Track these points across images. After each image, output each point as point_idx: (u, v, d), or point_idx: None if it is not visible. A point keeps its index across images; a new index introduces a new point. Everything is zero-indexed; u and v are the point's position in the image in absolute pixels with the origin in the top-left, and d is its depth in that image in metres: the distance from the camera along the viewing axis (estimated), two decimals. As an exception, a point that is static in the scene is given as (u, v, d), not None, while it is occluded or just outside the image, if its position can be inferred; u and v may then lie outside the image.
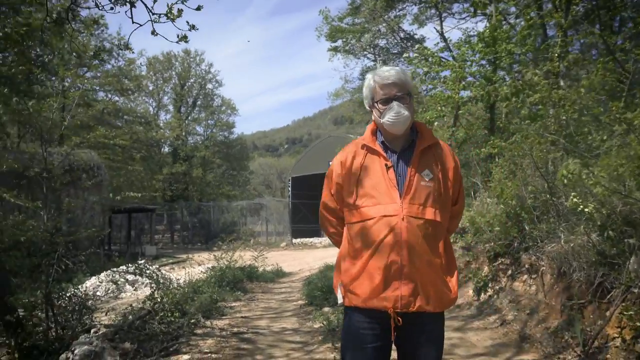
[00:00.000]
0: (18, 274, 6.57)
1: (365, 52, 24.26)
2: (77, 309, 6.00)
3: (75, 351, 4.73)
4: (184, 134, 44.60)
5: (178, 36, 3.68)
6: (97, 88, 30.55)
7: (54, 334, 5.65)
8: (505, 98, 7.85)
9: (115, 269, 7.51)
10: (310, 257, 20.77)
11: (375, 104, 2.35)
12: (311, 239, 30.76)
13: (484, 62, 10.98)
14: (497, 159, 8.31)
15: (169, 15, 3.30)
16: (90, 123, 23.99)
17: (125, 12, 3.69)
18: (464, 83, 10.07)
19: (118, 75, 30.97)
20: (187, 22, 3.62)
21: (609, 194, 4.75)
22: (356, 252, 2.29)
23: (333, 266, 10.58)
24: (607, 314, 4.58)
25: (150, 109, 45.68)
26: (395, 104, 2.27)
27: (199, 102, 48.04)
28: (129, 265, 9.32)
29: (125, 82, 32.28)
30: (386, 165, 2.29)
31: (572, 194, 5.15)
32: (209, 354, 5.32)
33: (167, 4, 3.23)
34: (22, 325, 5.46)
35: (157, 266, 10.46)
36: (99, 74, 29.94)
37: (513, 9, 10.32)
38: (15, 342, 4.96)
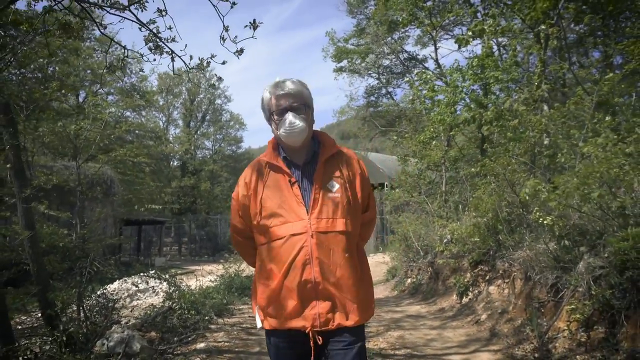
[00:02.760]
0: (54, 276, 7.44)
1: (369, 72, 25.21)
2: (105, 306, 6.88)
3: (110, 338, 5.59)
4: (192, 148, 45.66)
5: (207, 83, 4.49)
6: (111, 102, 31.62)
7: (85, 327, 6.52)
8: (488, 122, 8.71)
9: (141, 274, 8.35)
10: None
11: (272, 116, 2.30)
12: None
13: (475, 87, 11.88)
14: (483, 177, 9.13)
15: (200, 67, 4.18)
16: (111, 141, 24.97)
17: (168, 65, 4.56)
18: (456, 107, 10.93)
19: (130, 92, 32.09)
20: (216, 75, 4.55)
21: (563, 208, 5.60)
22: (268, 273, 2.23)
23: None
24: (559, 310, 5.41)
25: (160, 123, 46.84)
26: (290, 114, 2.22)
27: (207, 117, 49.15)
28: (142, 274, 10.23)
29: (137, 98, 33.35)
30: (290, 181, 2.25)
31: (535, 208, 6.02)
32: (222, 343, 6.18)
33: (199, 58, 4.13)
34: (60, 319, 6.33)
35: (170, 274, 11.32)
36: (112, 90, 31.07)
37: (504, 40, 11.16)
38: (58, 332, 5.78)
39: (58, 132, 7.66)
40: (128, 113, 34.02)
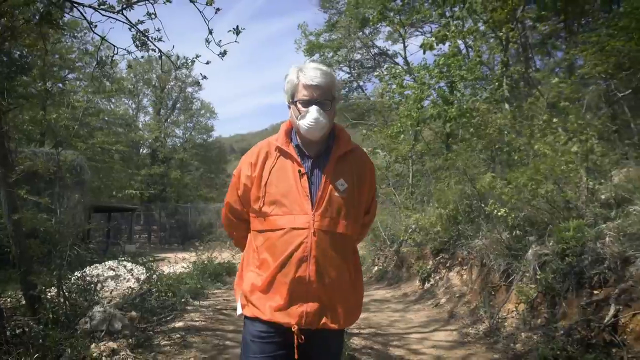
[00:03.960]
0: (34, 259, 7.70)
1: (341, 65, 25.65)
2: (85, 288, 7.18)
3: (93, 315, 5.94)
4: (162, 136, 45.36)
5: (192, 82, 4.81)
6: (79, 89, 31.31)
7: (65, 308, 6.82)
8: (451, 119, 9.25)
9: (119, 258, 8.66)
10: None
11: (295, 103, 2.17)
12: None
13: (442, 84, 12.44)
14: (445, 171, 9.70)
15: (185, 65, 4.55)
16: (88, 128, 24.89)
17: (155, 62, 4.90)
18: (422, 103, 11.47)
19: (100, 78, 31.81)
20: (201, 74, 4.95)
21: (515, 202, 6.16)
22: (262, 262, 2.16)
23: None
24: (509, 293, 5.98)
25: (130, 110, 46.40)
26: (315, 108, 2.11)
27: (178, 105, 48.84)
28: (119, 259, 10.53)
29: (107, 85, 33.09)
30: (299, 171, 2.15)
31: (491, 201, 6.57)
32: (198, 322, 6.59)
33: (184, 57, 4.49)
34: (40, 300, 6.63)
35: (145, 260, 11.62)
36: (81, 76, 30.77)
37: (462, 46, 11.73)
38: (44, 311, 6.08)
39: (38, 120, 7.87)
40: (97, 99, 33.72)
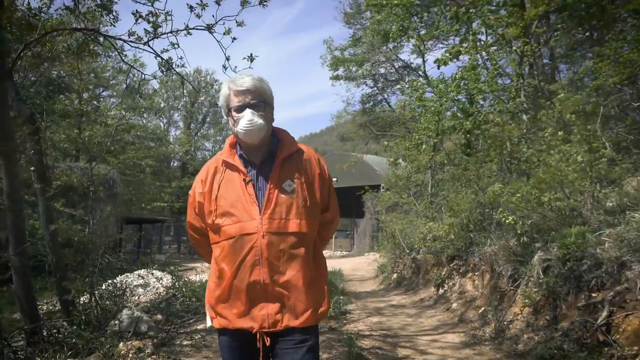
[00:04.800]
0: (68, 267, 8.23)
1: (365, 79, 26.05)
2: (115, 293, 7.66)
3: (122, 318, 6.38)
4: (192, 149, 46.39)
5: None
6: (112, 107, 32.42)
7: (97, 311, 7.30)
8: (467, 131, 9.51)
9: (148, 268, 9.19)
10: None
11: (230, 112, 2.25)
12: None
13: (461, 97, 12.68)
14: (458, 181, 9.94)
15: (206, 88, 4.99)
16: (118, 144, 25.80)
17: (178, 86, 5.37)
18: (441, 116, 11.74)
19: (133, 95, 32.90)
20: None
21: (521, 210, 6.40)
22: (220, 272, 2.23)
23: (328, 272, 12.33)
24: (515, 297, 6.21)
25: (161, 124, 47.63)
26: (248, 111, 2.18)
27: (208, 119, 49.88)
28: (148, 268, 11.08)
29: (140, 101, 34.15)
30: (244, 180, 2.22)
31: (500, 209, 6.82)
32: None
33: (204, 81, 4.91)
34: (74, 304, 7.12)
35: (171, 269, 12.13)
36: (114, 93, 31.88)
37: (479, 61, 11.93)
38: (77, 313, 6.54)
39: (73, 138, 8.43)
40: (124, 112, 34.75)
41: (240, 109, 2.21)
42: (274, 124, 2.36)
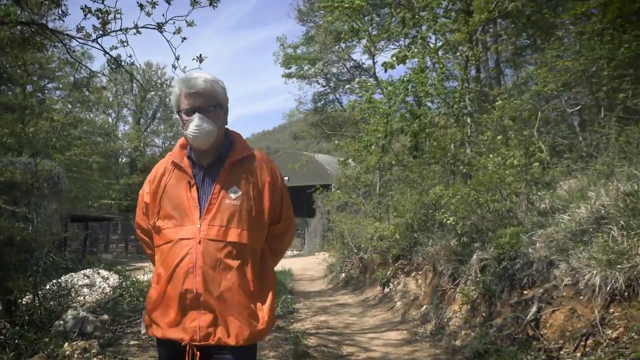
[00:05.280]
0: (10, 266, 8.03)
1: (317, 78, 26.27)
2: (59, 293, 7.54)
3: (67, 319, 6.30)
4: (142, 145, 45.53)
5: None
6: (58, 101, 31.44)
7: (40, 312, 7.18)
8: (414, 133, 9.81)
9: (95, 267, 9.05)
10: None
11: (179, 114, 2.16)
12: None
13: (410, 99, 13.02)
14: (403, 183, 10.23)
15: (155, 88, 5.01)
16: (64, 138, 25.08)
17: (128, 83, 5.36)
18: (389, 118, 12.02)
19: (80, 87, 31.96)
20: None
21: (460, 212, 6.69)
22: (158, 277, 2.11)
23: (277, 271, 12.43)
24: (454, 295, 6.49)
25: (110, 119, 46.50)
26: (197, 116, 2.07)
27: (158, 115, 49.00)
28: (95, 267, 10.90)
29: (87, 94, 33.24)
30: (189, 182, 2.12)
31: (442, 210, 7.10)
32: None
33: (154, 80, 4.93)
34: (16, 305, 6.97)
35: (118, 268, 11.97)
36: (60, 85, 30.93)
37: (429, 63, 12.31)
38: (20, 314, 6.41)
39: (17, 133, 8.23)
40: (71, 107, 33.74)
41: (189, 112, 2.11)
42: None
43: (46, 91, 29.40)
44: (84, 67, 5.40)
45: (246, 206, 2.11)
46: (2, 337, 5.86)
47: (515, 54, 14.94)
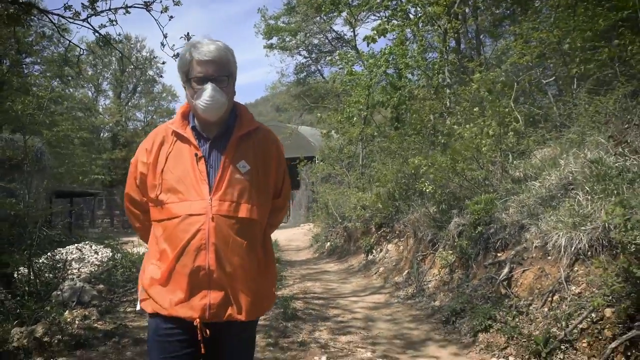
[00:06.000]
0: (4, 241, 8.23)
1: (299, 50, 26.26)
2: (54, 267, 7.79)
3: (64, 289, 6.57)
4: (123, 119, 45.15)
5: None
6: (37, 73, 31.04)
7: (36, 284, 7.43)
8: (394, 106, 10.08)
9: (86, 241, 9.28)
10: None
11: (190, 82, 2.04)
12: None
13: (391, 71, 13.25)
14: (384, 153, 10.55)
15: (145, 64, 5.19)
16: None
17: (116, 59, 5.50)
18: (371, 90, 12.27)
19: (59, 62, 31.53)
20: (163, 62, 5.59)
21: (439, 180, 7.02)
22: (161, 254, 2.03)
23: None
24: (433, 259, 6.87)
25: (90, 93, 45.96)
26: (210, 86, 1.97)
27: (139, 89, 48.51)
28: (86, 241, 11.15)
29: (66, 69, 32.80)
30: (196, 155, 2.03)
31: (421, 179, 7.42)
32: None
33: (142, 56, 5.10)
34: (13, 277, 7.21)
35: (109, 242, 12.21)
36: (39, 60, 30.51)
37: (409, 35, 12.51)
38: (21, 285, 6.66)
39: (5, 110, 8.34)
40: (55, 83, 33.36)
41: (201, 80, 2.00)
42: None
43: (24, 66, 28.98)
44: (75, 45, 5.51)
45: (255, 181, 2.07)
46: (3, 308, 6.13)
47: (494, 25, 15.17)
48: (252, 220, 2.03)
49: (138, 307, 2.15)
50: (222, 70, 2.02)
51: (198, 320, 1.94)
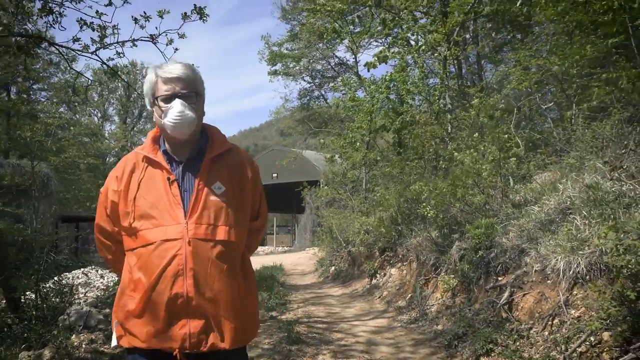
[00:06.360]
0: (11, 265, 8.36)
1: (302, 75, 26.65)
2: (61, 290, 7.89)
3: (71, 313, 6.67)
4: (129, 144, 45.51)
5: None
6: (44, 100, 31.54)
7: (43, 308, 7.53)
8: (396, 130, 10.25)
9: (92, 266, 9.41)
10: (253, 262, 22.68)
11: (156, 101, 2.00)
12: (252, 247, 32.68)
13: (393, 96, 13.46)
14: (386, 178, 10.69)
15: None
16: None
17: (122, 88, 5.71)
18: (373, 115, 12.47)
19: (66, 88, 32.02)
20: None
21: (440, 205, 7.14)
22: (136, 284, 1.93)
23: (269, 267, 12.71)
24: (436, 283, 6.95)
25: (96, 119, 46.50)
26: (178, 102, 1.94)
27: (144, 114, 48.99)
28: (92, 266, 11.30)
29: (71, 93, 33.24)
30: (169, 179, 1.98)
31: (423, 204, 7.54)
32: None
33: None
34: (20, 302, 7.32)
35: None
36: (46, 87, 31.03)
37: (410, 61, 12.75)
38: (29, 309, 6.76)
39: (12, 136, 8.54)
40: (62, 109, 33.87)
41: (168, 99, 1.98)
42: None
43: (31, 92, 29.46)
44: (83, 77, 5.72)
45: (232, 203, 2.02)
46: (11, 331, 6.23)
47: (495, 51, 15.41)
48: (230, 243, 1.97)
49: (114, 343, 2.08)
50: (188, 86, 2.00)
51: (177, 350, 1.86)
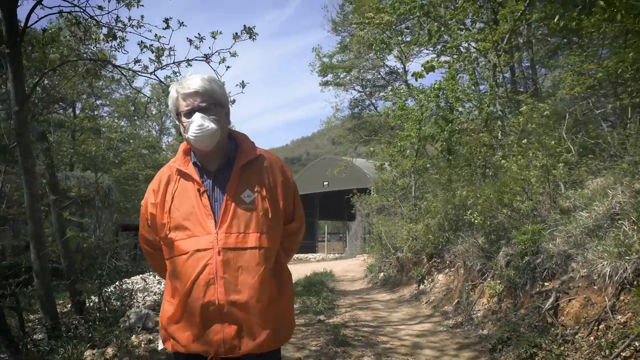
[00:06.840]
0: (78, 270, 8.93)
1: (353, 85, 26.90)
2: (122, 295, 8.36)
3: (131, 315, 7.07)
4: (185, 156, 46.83)
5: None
6: (106, 115, 33.13)
7: (106, 311, 8.00)
8: (445, 139, 10.29)
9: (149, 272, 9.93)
10: (304, 269, 23.18)
11: (179, 117, 2.07)
12: (306, 255, 33.14)
13: (443, 104, 13.47)
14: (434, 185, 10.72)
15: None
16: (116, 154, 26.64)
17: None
18: (421, 124, 12.52)
19: (126, 103, 33.50)
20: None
21: (487, 211, 7.16)
22: (173, 291, 2.07)
23: (319, 273, 12.92)
24: (482, 289, 6.96)
25: (154, 132, 48.14)
26: (198, 115, 2.00)
27: (201, 125, 50.19)
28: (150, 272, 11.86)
29: (132, 109, 34.72)
30: (199, 190, 2.05)
31: (470, 210, 7.57)
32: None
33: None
34: (84, 305, 7.81)
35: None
36: (108, 102, 32.59)
37: (459, 67, 12.72)
38: (93, 312, 7.22)
39: (78, 151, 9.14)
40: (123, 123, 35.38)
41: (189, 114, 2.04)
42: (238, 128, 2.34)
43: (94, 107, 30.99)
44: (142, 94, 6.15)
45: (262, 209, 2.06)
46: (78, 331, 6.68)
47: (548, 55, 15.16)
48: (262, 249, 2.01)
49: (160, 347, 2.30)
50: (208, 99, 2.04)
51: (212, 354, 1.95)
